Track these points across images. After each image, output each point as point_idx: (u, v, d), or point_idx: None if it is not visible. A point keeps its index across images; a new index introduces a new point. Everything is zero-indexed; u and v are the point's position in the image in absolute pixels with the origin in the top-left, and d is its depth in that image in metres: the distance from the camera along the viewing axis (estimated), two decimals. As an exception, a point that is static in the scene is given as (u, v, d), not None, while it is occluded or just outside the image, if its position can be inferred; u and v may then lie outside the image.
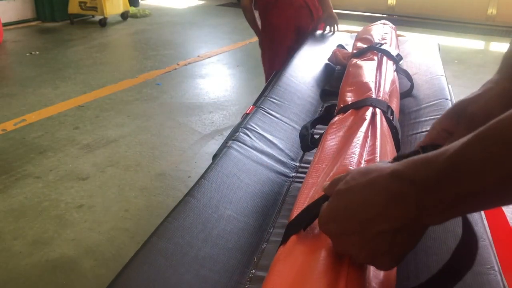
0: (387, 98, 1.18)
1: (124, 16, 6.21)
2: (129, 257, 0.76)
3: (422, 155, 0.46)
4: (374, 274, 0.58)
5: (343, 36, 2.31)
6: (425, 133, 0.79)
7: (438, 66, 1.73)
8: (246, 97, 3.56)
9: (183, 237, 0.80)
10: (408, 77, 1.51)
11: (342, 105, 1.16)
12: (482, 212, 0.88)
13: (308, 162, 1.15)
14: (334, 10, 2.36)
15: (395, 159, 0.58)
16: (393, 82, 1.31)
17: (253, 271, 0.80)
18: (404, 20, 6.25)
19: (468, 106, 0.69)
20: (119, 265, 0.74)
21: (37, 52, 4.67)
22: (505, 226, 1.11)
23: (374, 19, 2.87)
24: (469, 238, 0.54)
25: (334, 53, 1.82)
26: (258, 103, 1.42)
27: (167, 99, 3.55)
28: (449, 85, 1.54)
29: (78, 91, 3.66)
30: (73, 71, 4.13)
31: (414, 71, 1.64)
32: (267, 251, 0.85)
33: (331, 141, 0.97)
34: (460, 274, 0.54)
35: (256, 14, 2.45)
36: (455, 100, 1.44)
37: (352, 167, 0.79)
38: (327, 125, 1.11)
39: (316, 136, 1.13)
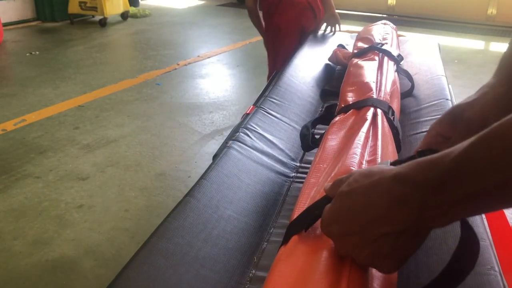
0: (388, 98, 1.18)
1: (124, 16, 6.21)
2: (129, 257, 0.75)
3: (425, 157, 0.46)
4: (376, 274, 0.58)
5: (343, 36, 2.31)
6: (425, 133, 0.79)
7: (438, 66, 1.73)
8: (246, 97, 3.56)
9: (183, 237, 0.80)
10: (409, 77, 1.51)
11: (343, 105, 1.16)
12: (483, 213, 0.87)
13: (309, 162, 1.15)
14: None
15: (393, 164, 0.58)
16: (394, 82, 1.31)
17: (253, 271, 0.80)
18: (404, 20, 6.25)
19: (464, 111, 0.69)
20: (119, 265, 0.74)
21: (37, 52, 4.67)
22: (505, 226, 1.11)
23: (374, 19, 2.87)
24: (470, 240, 0.54)
25: (334, 53, 1.82)
26: (258, 103, 1.42)
27: (167, 99, 3.55)
28: (450, 85, 1.54)
29: (78, 91, 3.66)
30: (73, 71, 4.13)
31: (415, 71, 1.64)
32: (267, 251, 0.85)
33: (332, 141, 0.96)
34: (461, 276, 0.53)
35: (261, 14, 2.46)
36: (455, 100, 1.44)
37: (354, 167, 0.79)
38: (327, 125, 1.11)
39: (317, 136, 1.13)
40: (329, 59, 1.86)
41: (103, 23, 5.83)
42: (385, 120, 1.03)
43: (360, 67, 1.38)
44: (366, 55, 1.49)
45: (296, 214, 0.71)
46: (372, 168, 0.51)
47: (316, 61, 1.91)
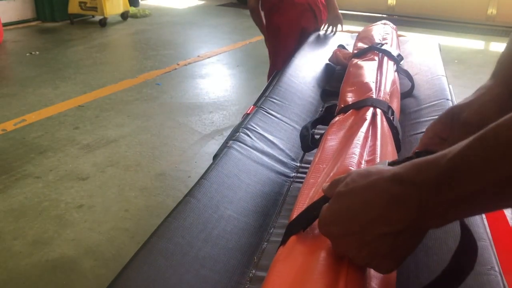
0: (388, 98, 1.18)
1: (124, 16, 6.21)
2: (129, 257, 0.75)
3: (423, 158, 0.46)
4: (374, 274, 0.58)
5: (343, 36, 2.31)
6: (425, 133, 0.79)
7: (439, 66, 1.73)
8: (246, 97, 3.56)
9: (183, 237, 0.80)
10: (409, 77, 1.51)
11: (342, 105, 1.16)
12: (483, 213, 0.87)
13: (309, 162, 1.15)
14: None
15: (392, 165, 0.58)
16: (393, 82, 1.31)
17: (253, 271, 0.80)
18: (404, 20, 6.25)
19: (461, 112, 0.69)
20: (119, 265, 0.74)
21: (37, 52, 4.67)
22: (505, 226, 1.11)
23: (374, 19, 2.87)
24: (468, 242, 0.54)
25: (334, 53, 1.82)
26: (258, 103, 1.42)
27: (167, 99, 3.55)
28: (450, 86, 1.54)
29: (78, 91, 3.66)
30: (73, 71, 4.13)
31: (415, 71, 1.64)
32: (267, 251, 0.85)
33: (332, 141, 0.96)
34: (461, 277, 0.54)
35: (263, 14, 2.48)
36: (456, 100, 1.44)
37: (353, 167, 0.79)
38: (327, 125, 1.11)
39: (317, 136, 1.13)
40: (330, 60, 1.86)
41: (103, 23, 5.83)
42: (384, 120, 1.03)
43: (359, 67, 1.38)
44: (366, 55, 1.49)
45: (295, 214, 0.71)
46: (370, 168, 0.51)
47: (317, 61, 1.91)
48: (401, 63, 1.55)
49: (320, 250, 0.57)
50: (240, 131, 1.20)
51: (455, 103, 1.18)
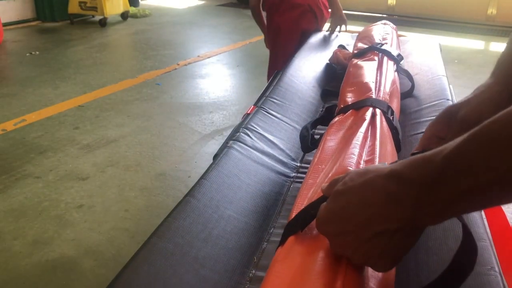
0: (387, 98, 1.18)
1: (124, 16, 6.21)
2: (129, 257, 0.75)
3: (419, 155, 0.46)
4: (372, 274, 0.58)
5: (344, 37, 2.31)
6: (426, 133, 0.79)
7: (439, 66, 1.73)
8: (246, 97, 3.56)
9: (183, 237, 0.80)
10: (409, 77, 1.51)
11: (342, 106, 1.16)
12: (482, 212, 0.88)
13: (309, 162, 1.15)
14: None
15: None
16: (393, 82, 1.31)
17: (253, 271, 0.80)
18: (404, 20, 6.25)
19: (459, 110, 0.69)
20: (119, 265, 0.74)
21: (37, 52, 4.67)
22: (505, 226, 1.11)
23: (374, 19, 2.87)
24: (469, 243, 0.54)
25: (335, 53, 1.82)
26: (259, 103, 1.42)
27: (167, 99, 3.55)
28: (451, 86, 1.54)
29: (78, 91, 3.66)
30: (73, 71, 4.13)
31: (415, 71, 1.64)
32: (267, 251, 0.85)
33: (331, 142, 0.96)
34: (461, 278, 0.54)
35: (265, 14, 2.49)
36: (456, 100, 1.44)
37: (351, 167, 0.79)
38: (327, 125, 1.11)
39: (317, 137, 1.13)
40: (330, 60, 1.86)
41: (103, 23, 5.83)
42: (384, 120, 1.03)
43: (359, 67, 1.38)
44: (366, 55, 1.49)
45: (294, 215, 0.71)
46: (368, 167, 0.51)
47: (317, 62, 1.91)
48: (401, 63, 1.55)
49: (318, 250, 0.57)
50: (240, 131, 1.20)
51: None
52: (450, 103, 1.37)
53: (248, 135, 1.19)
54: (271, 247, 0.86)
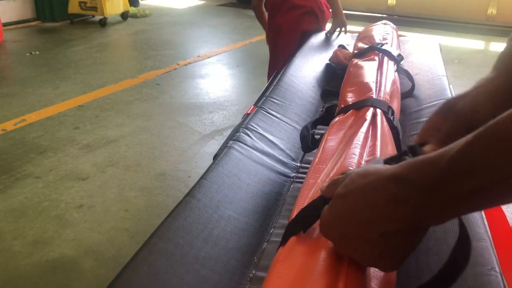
0: (388, 98, 1.18)
1: (124, 16, 6.21)
2: (129, 257, 0.75)
3: (421, 157, 0.46)
4: (374, 274, 0.58)
5: (344, 37, 2.31)
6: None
7: (439, 66, 1.73)
8: (246, 97, 3.56)
9: (184, 237, 0.80)
10: (409, 77, 1.51)
11: (342, 106, 1.16)
12: (483, 213, 0.87)
13: (309, 162, 1.15)
14: None
15: (387, 161, 0.59)
16: (394, 82, 1.31)
17: (254, 272, 0.80)
18: (404, 20, 6.25)
19: (456, 103, 0.69)
20: (119, 265, 0.74)
21: (37, 52, 4.67)
22: (505, 226, 1.11)
23: (374, 19, 2.87)
24: (463, 238, 0.55)
25: (335, 53, 1.82)
26: (259, 103, 1.42)
27: (167, 99, 3.55)
28: (451, 86, 1.54)
29: (78, 91, 3.66)
30: (73, 71, 4.13)
31: (416, 71, 1.64)
32: (268, 251, 0.85)
33: (332, 142, 0.96)
34: (456, 273, 0.54)
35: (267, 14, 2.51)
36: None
37: (352, 167, 0.78)
38: (327, 125, 1.11)
39: (317, 137, 1.13)
40: (330, 60, 1.86)
41: (103, 23, 5.83)
42: (384, 120, 1.03)
43: (360, 67, 1.38)
44: (366, 55, 1.49)
45: (294, 215, 0.71)
46: (368, 168, 0.51)
47: (317, 62, 1.91)
48: (401, 63, 1.55)
49: (319, 251, 0.57)
50: (240, 131, 1.19)
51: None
52: (451, 103, 1.36)
53: (248, 135, 1.19)
54: (271, 247, 0.86)
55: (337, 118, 1.09)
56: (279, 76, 1.67)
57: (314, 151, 1.09)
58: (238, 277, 0.78)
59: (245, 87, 3.95)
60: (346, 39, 2.21)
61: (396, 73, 1.43)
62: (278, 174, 1.11)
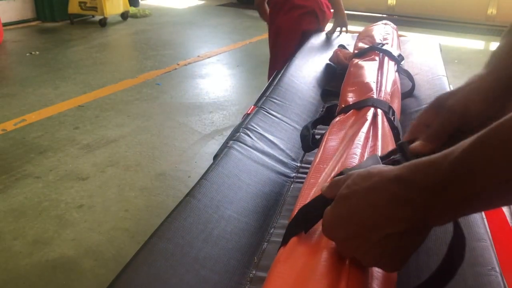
0: (389, 98, 1.18)
1: (124, 16, 6.21)
2: (129, 257, 0.75)
3: (424, 159, 0.46)
4: (375, 275, 0.58)
5: (344, 37, 2.31)
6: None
7: (439, 66, 1.73)
8: (246, 97, 3.56)
9: (184, 238, 0.80)
10: (410, 77, 1.51)
11: (343, 105, 1.16)
12: (483, 213, 0.87)
13: (309, 163, 1.15)
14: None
15: (383, 157, 0.58)
16: (394, 82, 1.31)
17: (254, 272, 0.80)
18: (404, 20, 6.25)
19: (447, 99, 0.69)
20: (119, 265, 0.74)
21: (37, 52, 4.67)
22: (505, 227, 1.11)
23: (374, 19, 2.87)
24: (457, 237, 0.55)
25: (335, 53, 1.81)
26: (259, 103, 1.42)
27: (167, 99, 3.55)
28: (451, 86, 1.54)
29: (78, 91, 3.66)
30: (73, 71, 4.13)
31: (416, 72, 1.64)
32: (268, 251, 0.85)
33: (332, 142, 0.96)
34: (453, 270, 0.55)
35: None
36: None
37: (353, 167, 0.78)
38: (328, 125, 1.11)
39: (317, 137, 1.12)
40: (330, 60, 1.85)
41: (103, 23, 5.83)
42: (385, 120, 1.03)
43: (360, 67, 1.38)
44: (367, 55, 1.48)
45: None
46: (370, 169, 0.51)
47: (317, 61, 1.91)
48: (401, 63, 1.55)
49: (321, 251, 0.57)
50: (240, 131, 1.19)
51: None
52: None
53: (248, 135, 1.19)
54: (271, 247, 0.86)
55: (337, 118, 1.09)
56: (279, 76, 1.67)
57: (315, 151, 1.09)
58: (238, 277, 0.78)
59: (245, 87, 3.95)
60: (347, 39, 2.21)
61: (397, 73, 1.43)
62: (278, 174, 1.11)
